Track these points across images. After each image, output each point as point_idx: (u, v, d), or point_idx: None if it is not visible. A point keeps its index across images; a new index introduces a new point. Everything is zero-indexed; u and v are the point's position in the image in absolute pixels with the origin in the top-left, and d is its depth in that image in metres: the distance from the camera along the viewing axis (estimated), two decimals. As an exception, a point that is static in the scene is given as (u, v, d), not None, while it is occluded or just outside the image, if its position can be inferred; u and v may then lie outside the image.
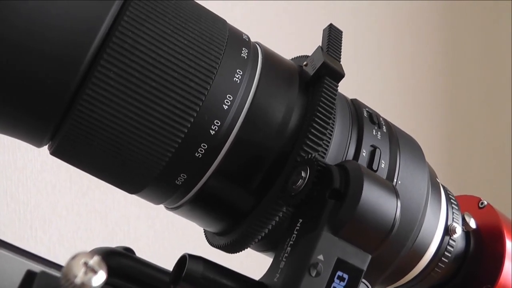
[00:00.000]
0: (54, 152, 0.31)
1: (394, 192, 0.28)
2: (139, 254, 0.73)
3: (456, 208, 0.40)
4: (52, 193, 0.65)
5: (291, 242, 0.28)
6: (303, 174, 0.29)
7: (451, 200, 0.40)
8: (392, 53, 1.14)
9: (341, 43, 0.36)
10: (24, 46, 0.27)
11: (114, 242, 0.68)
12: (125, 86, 0.29)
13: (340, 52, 0.35)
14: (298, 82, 0.34)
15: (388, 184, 0.29)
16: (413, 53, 1.20)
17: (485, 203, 0.45)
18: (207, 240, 0.38)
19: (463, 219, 0.41)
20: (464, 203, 0.43)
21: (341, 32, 0.36)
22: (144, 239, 0.72)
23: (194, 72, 0.30)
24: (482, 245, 0.42)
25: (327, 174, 0.28)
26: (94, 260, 0.22)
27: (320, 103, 0.32)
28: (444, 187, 0.41)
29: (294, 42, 0.85)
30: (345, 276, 0.27)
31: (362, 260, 0.27)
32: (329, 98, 0.32)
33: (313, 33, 1.02)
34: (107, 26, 0.28)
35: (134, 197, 0.73)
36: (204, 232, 0.39)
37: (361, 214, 0.27)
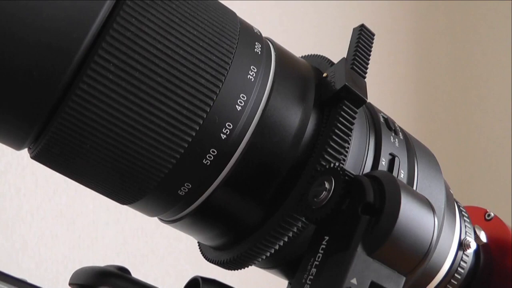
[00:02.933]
0: (37, 156, 0.27)
1: (431, 208, 0.25)
2: (108, 262, 0.70)
3: (468, 221, 0.38)
4: (16, 196, 0.62)
5: (316, 263, 0.25)
6: (326, 185, 0.26)
7: (463, 212, 0.38)
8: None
9: (370, 50, 0.32)
10: (6, 32, 0.23)
11: (81, 249, 0.66)
12: (126, 80, 0.25)
13: (367, 65, 0.31)
14: (314, 89, 0.30)
15: (424, 199, 0.26)
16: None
17: (492, 214, 0.43)
18: (203, 255, 0.34)
19: (474, 233, 0.38)
20: (470, 215, 0.40)
21: (373, 35, 0.33)
22: (112, 246, 0.70)
23: (205, 67, 0.27)
24: (492, 260, 0.40)
25: (357, 186, 0.25)
26: None
27: (336, 130, 0.29)
28: (454, 198, 0.38)
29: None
30: (378, 302, 0.23)
31: (396, 284, 0.24)
32: (344, 127, 0.29)
33: (299, 28, 1.00)
34: (106, 11, 0.24)
35: (102, 202, 0.70)
36: (199, 244, 0.35)
37: (399, 232, 0.24)
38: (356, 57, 0.31)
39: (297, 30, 0.97)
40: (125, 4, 0.25)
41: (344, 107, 0.29)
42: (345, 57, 0.32)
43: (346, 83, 0.29)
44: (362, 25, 0.33)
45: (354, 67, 0.31)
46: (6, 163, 0.60)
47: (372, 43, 0.33)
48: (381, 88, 1.10)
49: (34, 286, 0.34)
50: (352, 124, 0.29)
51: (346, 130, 0.29)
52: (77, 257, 0.66)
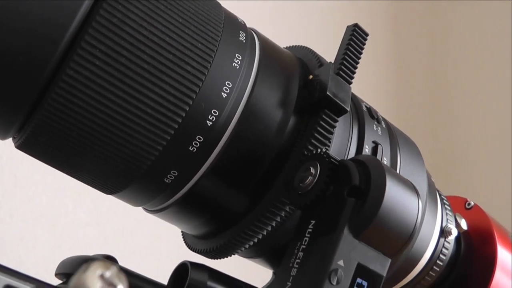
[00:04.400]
0: (22, 145, 0.27)
1: (416, 191, 0.26)
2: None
3: (449, 208, 0.38)
4: None
5: (303, 246, 0.25)
6: (312, 170, 0.26)
7: (444, 201, 0.38)
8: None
9: (361, 53, 0.31)
10: None
11: (61, 250, 0.65)
12: (112, 67, 0.25)
13: (355, 70, 0.31)
14: (298, 78, 0.30)
15: (409, 183, 0.26)
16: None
17: (472, 203, 0.43)
18: (186, 244, 0.34)
19: (455, 220, 0.39)
20: (451, 204, 0.41)
21: (367, 36, 0.32)
22: (93, 246, 0.69)
23: (191, 54, 0.26)
24: (473, 248, 0.40)
25: (343, 170, 0.26)
26: (112, 272, 0.18)
27: (314, 138, 0.29)
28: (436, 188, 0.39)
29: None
30: (364, 283, 0.24)
31: (382, 265, 0.24)
32: (322, 137, 0.29)
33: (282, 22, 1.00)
34: None
35: (83, 203, 0.69)
36: (183, 235, 0.35)
37: (384, 214, 0.24)
38: (344, 62, 0.31)
39: (278, 25, 0.97)
40: None
41: (324, 116, 0.29)
42: (332, 62, 0.32)
43: (328, 93, 0.29)
44: (356, 25, 0.32)
45: (341, 72, 0.31)
46: (-16, 163, 0.60)
47: (364, 44, 0.32)
48: (363, 79, 1.10)
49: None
50: (331, 133, 0.29)
51: (323, 139, 0.29)
52: (57, 259, 0.65)
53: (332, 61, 0.32)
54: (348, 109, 0.30)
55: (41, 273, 0.62)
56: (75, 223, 0.67)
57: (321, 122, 0.29)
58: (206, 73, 0.27)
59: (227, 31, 0.28)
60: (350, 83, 0.31)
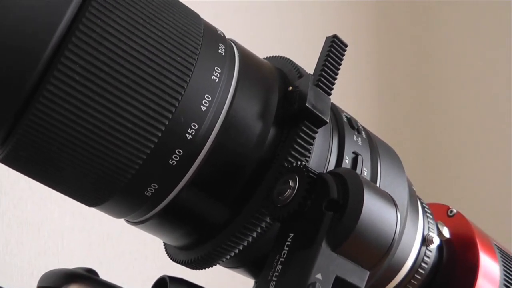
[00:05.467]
0: (4, 159, 0.27)
1: (394, 204, 0.26)
2: (74, 267, 0.69)
3: (431, 217, 0.38)
4: None
5: (282, 259, 0.25)
6: (291, 183, 0.26)
7: (425, 209, 0.39)
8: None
9: (340, 65, 0.31)
10: None
11: (47, 256, 0.65)
12: (92, 82, 0.25)
13: (334, 81, 0.31)
14: (277, 90, 0.31)
15: (387, 195, 0.26)
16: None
17: (454, 211, 0.43)
18: (168, 254, 0.34)
19: (437, 228, 0.39)
20: (433, 212, 0.41)
21: (346, 47, 0.32)
22: (78, 252, 0.69)
23: (170, 68, 0.27)
24: (455, 255, 0.40)
25: (320, 183, 0.26)
26: None
27: (293, 149, 0.29)
28: (417, 195, 0.39)
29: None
30: (342, 296, 0.24)
31: (360, 278, 0.25)
32: (302, 149, 0.29)
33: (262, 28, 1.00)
34: (72, 12, 0.24)
35: (67, 209, 0.69)
36: (165, 246, 0.35)
37: (362, 228, 0.24)
38: (323, 73, 0.31)
39: (260, 33, 0.97)
40: (91, 6, 0.25)
41: (303, 128, 0.29)
42: (311, 74, 0.32)
43: (308, 105, 0.29)
44: (335, 36, 0.32)
45: (320, 83, 0.31)
46: (-31, 170, 0.59)
47: (343, 55, 0.32)
48: (344, 88, 1.11)
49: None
50: (311, 144, 0.29)
51: (302, 150, 0.29)
52: (43, 264, 0.65)
53: (312, 73, 0.32)
54: (328, 121, 0.30)
55: (26, 278, 0.62)
56: (60, 229, 0.67)
57: (301, 134, 0.29)
58: (185, 87, 0.27)
59: (206, 44, 0.29)
60: (329, 94, 0.31)
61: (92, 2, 0.25)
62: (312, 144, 0.29)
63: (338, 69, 0.31)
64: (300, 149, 0.29)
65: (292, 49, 0.98)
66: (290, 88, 0.31)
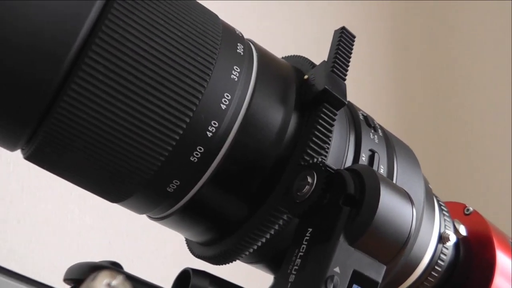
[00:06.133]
0: (30, 157, 0.28)
1: (409, 199, 0.27)
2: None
3: (447, 215, 0.39)
4: (3, 204, 0.62)
5: (301, 253, 0.26)
6: (309, 179, 0.27)
7: (442, 207, 0.39)
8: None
9: (350, 53, 0.32)
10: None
11: (67, 254, 0.66)
12: (115, 81, 0.26)
13: (347, 68, 0.32)
14: (295, 90, 0.31)
15: (403, 191, 0.27)
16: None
17: (471, 209, 0.44)
18: (190, 250, 0.35)
19: (454, 226, 0.40)
20: (450, 210, 0.42)
21: (354, 37, 0.33)
22: (98, 250, 0.70)
23: (190, 67, 0.27)
24: (472, 253, 0.41)
25: (338, 179, 0.26)
26: (118, 281, 0.19)
27: (314, 136, 0.29)
28: (434, 193, 0.39)
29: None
30: (360, 289, 0.24)
31: (377, 272, 0.25)
32: (324, 129, 0.30)
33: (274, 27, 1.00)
34: (95, 15, 0.25)
35: (87, 208, 0.70)
36: (186, 241, 0.36)
37: (379, 223, 0.25)
38: (337, 60, 0.32)
39: (276, 32, 0.97)
40: (113, 7, 0.26)
41: (324, 109, 0.30)
42: (326, 60, 0.33)
43: (326, 87, 0.30)
44: (343, 28, 0.34)
45: (335, 69, 0.32)
46: (-8, 171, 0.60)
47: (352, 45, 0.33)
48: (361, 87, 1.11)
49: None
50: (332, 125, 0.30)
51: (326, 132, 0.30)
52: (64, 262, 0.65)
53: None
54: (346, 102, 0.31)
55: (47, 276, 0.63)
56: (81, 227, 0.68)
57: (322, 115, 0.30)
58: (206, 86, 0.28)
59: (225, 43, 0.29)
60: (344, 79, 0.32)
61: (114, 3, 0.26)
62: (332, 125, 0.30)
63: (350, 57, 0.33)
64: (321, 135, 0.29)
65: (305, 52, 0.99)
66: (306, 76, 0.32)
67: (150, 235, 0.71)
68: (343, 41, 0.33)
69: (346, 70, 0.32)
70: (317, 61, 0.35)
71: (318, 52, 0.36)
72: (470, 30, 1.25)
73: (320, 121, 0.30)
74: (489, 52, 1.20)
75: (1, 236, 0.61)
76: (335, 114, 0.30)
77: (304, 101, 0.31)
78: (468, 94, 1.22)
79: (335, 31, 0.34)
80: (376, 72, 1.22)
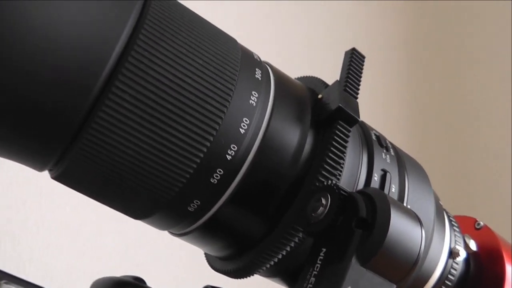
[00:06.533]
0: (58, 177, 0.29)
1: (419, 221, 0.28)
2: (112, 270, 0.71)
3: (458, 230, 0.40)
4: (22, 208, 0.63)
5: (315, 272, 0.27)
6: (323, 201, 0.28)
7: (452, 222, 0.40)
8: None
9: (361, 73, 0.34)
10: (32, 73, 0.25)
11: (85, 258, 0.67)
12: (140, 109, 0.27)
13: (359, 87, 0.34)
14: (310, 111, 0.33)
15: (412, 213, 0.28)
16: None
17: (482, 224, 0.45)
18: (209, 264, 0.37)
19: (464, 241, 0.41)
20: (460, 224, 0.42)
21: (364, 58, 0.35)
22: (115, 255, 0.71)
23: (211, 94, 0.29)
24: (482, 268, 0.42)
25: (351, 202, 0.28)
26: None
27: (330, 152, 0.31)
28: (444, 209, 0.41)
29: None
30: (371, 307, 0.26)
31: (388, 291, 0.26)
32: (339, 145, 0.31)
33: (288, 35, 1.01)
34: (122, 46, 0.27)
35: (105, 213, 0.71)
36: (206, 255, 0.37)
37: (390, 244, 0.26)
38: (349, 79, 0.34)
39: (290, 50, 0.98)
40: (139, 39, 0.27)
41: (338, 126, 0.31)
42: (338, 79, 0.35)
43: (340, 105, 0.32)
44: (353, 49, 0.35)
45: (347, 88, 0.33)
46: (12, 176, 0.61)
47: (362, 65, 0.35)
48: (373, 103, 1.11)
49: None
50: (346, 141, 0.31)
51: (341, 148, 0.31)
52: (81, 266, 0.67)
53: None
54: (359, 119, 0.32)
55: (65, 280, 0.64)
56: (98, 232, 0.69)
57: (337, 132, 0.31)
58: (225, 112, 0.29)
59: (243, 70, 0.31)
60: (356, 98, 0.33)
61: (140, 35, 0.27)
62: (346, 141, 0.31)
63: (361, 76, 0.34)
64: (336, 152, 0.31)
65: (318, 65, 1.00)
66: (320, 96, 0.34)
67: (165, 240, 0.72)
68: (354, 62, 0.35)
69: (358, 89, 0.34)
70: (325, 77, 0.37)
71: (333, 70, 0.37)
72: (484, 45, 1.24)
73: (335, 137, 0.31)
74: (508, 62, 1.19)
75: (20, 241, 0.62)
76: (349, 131, 0.32)
77: (318, 120, 0.33)
78: (482, 108, 1.22)
79: (346, 52, 0.36)
80: (389, 87, 1.22)
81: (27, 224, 0.63)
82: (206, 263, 0.38)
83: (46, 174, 0.54)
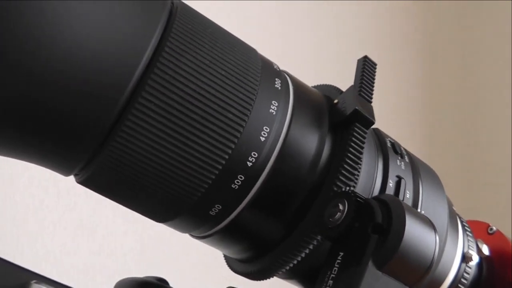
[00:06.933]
0: (84, 182, 0.31)
1: (433, 227, 0.29)
2: (127, 270, 0.72)
3: (471, 235, 0.40)
4: (40, 208, 0.64)
5: (333, 275, 0.28)
6: (340, 206, 0.29)
7: (465, 227, 0.41)
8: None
9: (374, 79, 0.36)
10: (59, 85, 0.27)
11: (101, 257, 0.68)
12: (166, 118, 0.29)
13: (372, 92, 0.35)
14: (327, 118, 0.34)
15: (426, 219, 0.29)
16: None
17: (494, 229, 0.45)
18: (228, 265, 0.38)
19: (477, 246, 0.41)
20: (473, 229, 0.43)
21: (375, 65, 0.37)
22: (131, 254, 0.72)
23: (233, 103, 0.30)
24: (494, 272, 0.42)
25: (367, 208, 0.29)
26: None
27: (348, 153, 0.32)
28: (457, 214, 0.41)
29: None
30: (386, 310, 0.27)
31: (402, 294, 0.27)
32: (357, 146, 0.32)
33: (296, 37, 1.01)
34: (148, 58, 0.28)
35: (121, 212, 0.72)
36: (225, 257, 0.39)
37: (405, 250, 0.27)
38: (363, 85, 0.35)
39: (297, 54, 0.98)
40: (164, 51, 0.28)
41: (355, 128, 0.33)
42: (352, 85, 0.36)
43: (357, 108, 0.33)
44: (365, 57, 0.37)
45: (362, 93, 0.35)
46: (30, 176, 0.63)
47: (375, 71, 0.37)
48: (387, 109, 1.11)
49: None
50: (363, 142, 0.33)
51: (358, 149, 0.32)
52: (97, 266, 0.68)
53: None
54: (375, 121, 0.33)
55: (82, 279, 0.65)
56: (114, 232, 0.70)
57: (354, 134, 0.32)
58: (247, 120, 0.31)
59: (264, 80, 0.32)
60: (370, 102, 0.35)
61: (165, 48, 0.28)
62: (363, 145, 0.32)
63: (374, 82, 0.36)
64: (354, 153, 0.32)
65: (326, 70, 1.00)
66: (336, 101, 0.35)
67: (181, 239, 0.73)
68: (367, 68, 0.36)
69: (372, 94, 0.35)
70: (336, 81, 0.38)
71: (346, 76, 0.38)
72: (502, 44, 1.24)
73: (353, 138, 0.32)
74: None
75: (37, 240, 0.63)
76: (365, 133, 0.33)
77: (335, 123, 0.34)
78: (499, 112, 1.22)
79: (358, 60, 0.37)
80: (403, 96, 1.22)
81: (44, 223, 0.64)
82: (224, 265, 0.39)
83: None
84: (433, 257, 0.28)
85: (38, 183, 0.64)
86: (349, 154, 0.32)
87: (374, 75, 0.36)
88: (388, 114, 1.11)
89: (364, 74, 0.36)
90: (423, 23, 1.30)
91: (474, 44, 1.29)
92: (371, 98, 0.35)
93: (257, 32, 0.88)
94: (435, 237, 0.29)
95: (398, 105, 1.19)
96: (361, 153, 0.32)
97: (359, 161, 0.32)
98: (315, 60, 1.02)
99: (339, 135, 0.33)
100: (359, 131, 0.33)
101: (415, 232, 0.28)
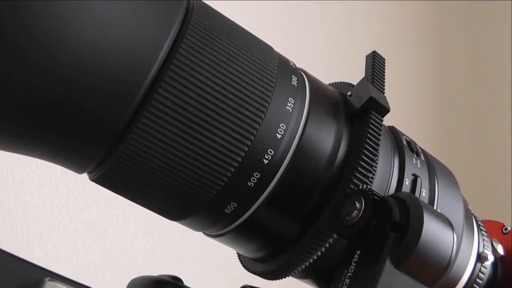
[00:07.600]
0: (98, 180, 0.31)
1: (450, 225, 0.28)
2: (138, 270, 0.72)
3: (486, 234, 0.40)
4: (50, 208, 0.65)
5: (350, 274, 0.28)
6: (357, 204, 0.29)
7: (480, 227, 0.40)
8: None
9: (384, 72, 0.36)
10: (76, 81, 0.27)
11: (111, 258, 0.68)
12: (182, 114, 0.28)
13: (384, 83, 0.35)
14: (343, 112, 0.34)
15: (444, 218, 0.29)
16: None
17: (509, 228, 0.45)
18: (242, 265, 0.38)
19: (492, 246, 0.41)
20: (488, 229, 0.43)
21: (384, 60, 0.37)
22: (141, 255, 0.72)
23: (249, 100, 0.30)
24: (509, 272, 0.42)
25: (384, 206, 0.28)
26: None
27: (367, 139, 0.32)
28: (472, 213, 0.41)
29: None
30: (404, 309, 0.26)
31: (420, 293, 0.27)
32: (375, 132, 0.32)
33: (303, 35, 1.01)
34: (165, 54, 0.28)
35: (131, 213, 0.72)
36: (239, 256, 0.38)
37: (422, 248, 0.27)
38: (375, 76, 0.35)
39: (304, 49, 0.98)
40: (181, 48, 0.28)
41: (371, 115, 0.33)
42: (365, 76, 0.36)
43: (372, 95, 0.33)
44: (374, 52, 0.37)
45: (374, 84, 0.35)
46: (40, 176, 0.63)
47: (384, 65, 0.37)
48: (398, 109, 1.11)
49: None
50: (380, 130, 0.33)
51: (376, 135, 0.32)
52: (107, 266, 0.68)
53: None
54: (389, 109, 0.33)
55: (92, 279, 0.66)
56: (124, 231, 0.70)
57: (372, 121, 0.32)
58: (263, 117, 0.30)
59: (280, 77, 0.32)
60: (383, 92, 0.35)
61: (182, 44, 0.28)
62: (380, 132, 0.32)
63: (384, 74, 0.36)
64: (371, 144, 0.32)
65: (337, 66, 1.00)
66: (349, 93, 0.35)
67: (191, 239, 0.73)
68: (376, 62, 0.36)
69: (384, 84, 0.35)
70: (349, 74, 0.38)
71: (356, 74, 0.39)
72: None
73: (371, 125, 0.32)
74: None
75: (48, 240, 0.63)
76: (381, 120, 0.33)
77: (351, 117, 0.34)
78: (506, 110, 1.21)
79: (367, 56, 0.37)
80: (416, 91, 1.22)
81: (54, 223, 0.64)
82: (237, 264, 0.38)
83: (73, 174, 0.55)
84: (450, 256, 0.28)
85: (49, 183, 0.64)
86: (367, 140, 0.32)
87: (384, 68, 0.36)
88: (398, 113, 1.10)
89: (375, 67, 0.36)
90: (434, 22, 1.29)
91: (485, 44, 1.28)
92: (384, 89, 0.35)
93: (268, 31, 0.88)
94: (453, 235, 0.28)
95: (408, 104, 1.18)
96: (379, 140, 0.32)
97: (376, 152, 0.32)
98: (326, 60, 1.02)
99: (355, 128, 0.33)
100: (375, 118, 0.33)
101: (433, 230, 0.28)
